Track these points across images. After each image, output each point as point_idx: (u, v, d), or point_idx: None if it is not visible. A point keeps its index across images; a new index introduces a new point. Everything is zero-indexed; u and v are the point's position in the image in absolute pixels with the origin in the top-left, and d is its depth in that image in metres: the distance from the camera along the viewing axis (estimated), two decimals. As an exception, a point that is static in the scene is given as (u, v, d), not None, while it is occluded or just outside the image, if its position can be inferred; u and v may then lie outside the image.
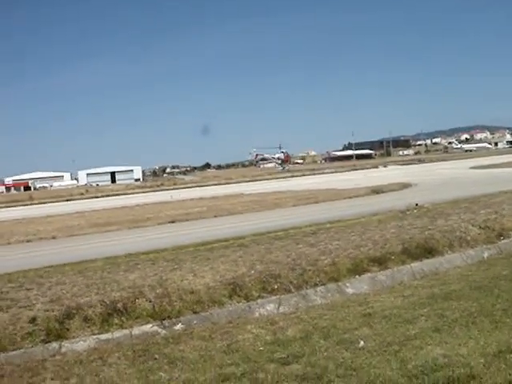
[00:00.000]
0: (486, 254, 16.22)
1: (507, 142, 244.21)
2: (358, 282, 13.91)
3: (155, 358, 9.44)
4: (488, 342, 8.12)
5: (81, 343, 10.76)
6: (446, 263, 15.41)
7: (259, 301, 12.57)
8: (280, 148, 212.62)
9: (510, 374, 6.82)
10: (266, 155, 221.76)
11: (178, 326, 11.35)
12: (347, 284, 13.72)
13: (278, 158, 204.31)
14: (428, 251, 15.79)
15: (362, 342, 8.92)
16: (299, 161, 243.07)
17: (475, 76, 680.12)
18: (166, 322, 11.47)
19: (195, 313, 11.91)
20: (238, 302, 12.47)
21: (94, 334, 11.10)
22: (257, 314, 12.05)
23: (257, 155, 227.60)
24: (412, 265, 15.00)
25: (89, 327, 11.31)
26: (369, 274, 14.28)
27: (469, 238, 16.97)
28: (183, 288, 12.73)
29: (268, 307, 12.36)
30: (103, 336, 11.05)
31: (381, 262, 14.88)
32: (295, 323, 10.74)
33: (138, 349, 10.13)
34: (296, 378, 7.68)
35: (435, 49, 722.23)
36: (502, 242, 17.23)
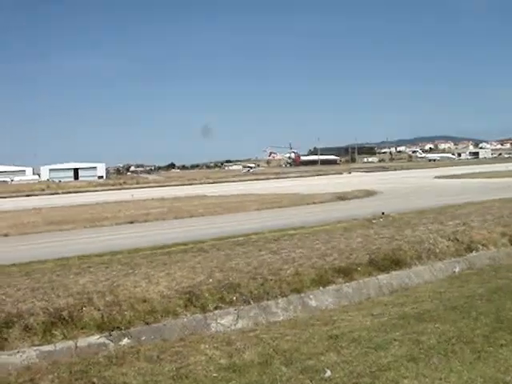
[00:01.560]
0: (457, 269, 15.70)
1: (470, 153, 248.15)
2: (322, 294, 13.20)
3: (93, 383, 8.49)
4: (472, 376, 7.40)
5: (18, 356, 9.81)
6: (415, 277, 14.83)
7: (216, 312, 11.76)
8: (291, 148, 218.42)
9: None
10: (278, 154, 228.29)
11: (125, 341, 10.43)
12: (311, 296, 12.99)
13: (289, 157, 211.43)
14: (395, 263, 15.18)
15: (328, 372, 8.04)
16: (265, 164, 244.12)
17: (440, 87, 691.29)
18: (114, 333, 10.59)
19: (147, 324, 11.04)
20: (194, 313, 11.63)
21: (34, 346, 10.17)
22: (213, 329, 11.23)
23: (271, 153, 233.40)
24: (379, 277, 14.36)
25: (30, 337, 10.36)
26: (334, 286, 13.57)
27: (437, 250, 16.43)
28: (135, 296, 11.88)
29: (225, 320, 11.55)
30: (45, 348, 10.12)
31: (346, 272, 14.20)
32: (254, 344, 9.74)
33: (77, 370, 9.03)
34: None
35: (401, 59, 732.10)
36: (472, 255, 16.76)
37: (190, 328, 11.13)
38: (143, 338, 10.57)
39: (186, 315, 11.52)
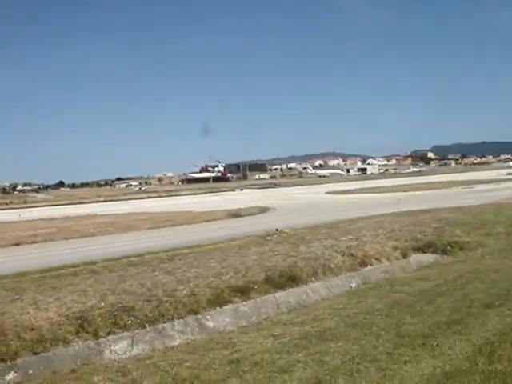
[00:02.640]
0: (353, 284, 15.79)
1: (358, 169, 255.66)
2: (219, 314, 12.86)
3: None
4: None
5: None
6: (312, 293, 14.75)
7: (110, 337, 11.18)
8: (219, 162, 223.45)
9: None
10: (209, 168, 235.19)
11: (11, 375, 9.67)
12: (207, 317, 12.63)
13: (219, 171, 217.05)
14: (292, 279, 15.05)
15: None
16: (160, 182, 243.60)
17: (327, 104, 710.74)
18: (-2, 366, 9.83)
19: (35, 354, 10.32)
20: (86, 340, 10.98)
21: None
22: (106, 357, 10.62)
23: (202, 167, 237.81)
24: (276, 294, 14.17)
25: None
26: (231, 306, 13.26)
27: (333, 265, 16.48)
28: (22, 324, 11.11)
29: (120, 346, 10.96)
30: None
31: (243, 291, 13.94)
32: (151, 373, 9.11)
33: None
34: None
35: (289, 78, 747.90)
36: (367, 269, 16.96)
37: (83, 356, 10.51)
38: (31, 372, 9.84)
39: (77, 342, 10.87)
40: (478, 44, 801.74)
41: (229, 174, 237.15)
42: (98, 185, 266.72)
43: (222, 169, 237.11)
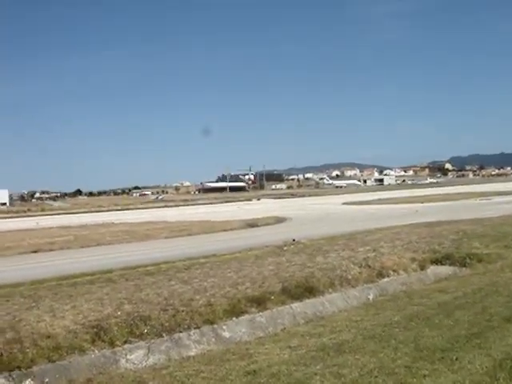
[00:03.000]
0: (371, 296, 15.66)
1: (375, 179, 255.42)
2: (235, 324, 12.79)
3: None
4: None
5: None
6: (329, 304, 14.63)
7: (126, 346, 11.14)
8: (250, 170, 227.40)
9: None
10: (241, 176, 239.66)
11: (27, 383, 9.68)
12: (224, 327, 12.56)
13: (249, 179, 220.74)
14: (309, 290, 14.95)
15: None
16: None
17: (343, 116, 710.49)
18: (14, 374, 9.80)
19: (51, 362, 10.29)
20: (102, 349, 10.95)
21: None
22: (122, 366, 10.56)
23: (231, 175, 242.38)
24: (292, 305, 14.08)
25: None
26: (247, 316, 13.17)
27: (350, 276, 16.36)
28: (39, 332, 11.11)
29: (136, 355, 10.91)
30: None
31: (259, 302, 13.85)
32: (167, 383, 9.03)
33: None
34: None
35: (308, 87, 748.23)
36: (384, 281, 16.82)
37: (98, 365, 10.47)
38: (47, 380, 9.80)
39: (93, 351, 10.84)
40: (497, 55, 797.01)
41: (245, 184, 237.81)
42: (115, 193, 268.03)
43: (252, 177, 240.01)
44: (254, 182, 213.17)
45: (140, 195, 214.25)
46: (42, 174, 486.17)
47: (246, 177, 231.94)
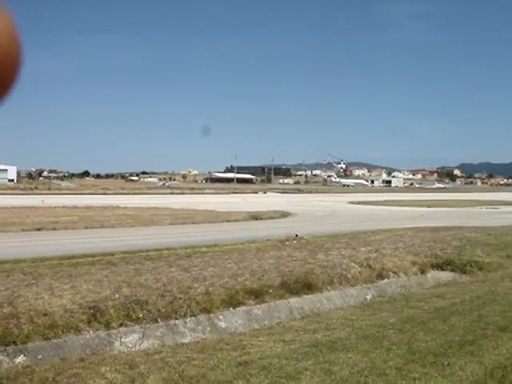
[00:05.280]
0: (369, 296, 15.71)
1: (383, 181, 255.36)
2: (232, 315, 12.86)
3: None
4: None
5: None
6: (326, 302, 14.70)
7: (121, 329, 11.22)
8: (342, 160, 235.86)
9: None
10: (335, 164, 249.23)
11: (21, 358, 9.70)
12: (220, 317, 12.63)
13: (341, 168, 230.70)
14: (307, 286, 15.00)
15: None
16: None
17: (353, 114, 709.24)
18: (10, 349, 9.88)
19: (46, 339, 10.39)
20: (98, 330, 11.04)
21: None
22: (116, 349, 10.66)
23: (329, 162, 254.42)
24: (290, 300, 14.15)
25: None
26: (244, 308, 13.26)
27: (349, 275, 16.40)
28: (36, 309, 11.19)
29: (130, 339, 11.00)
30: None
31: (257, 294, 13.91)
32: (159, 368, 9.05)
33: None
34: None
35: (319, 85, 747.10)
36: (383, 282, 16.86)
37: (92, 346, 10.55)
38: (40, 357, 9.88)
39: (88, 331, 10.93)
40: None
41: (253, 176, 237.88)
42: (123, 177, 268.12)
43: (344, 166, 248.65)
44: (345, 171, 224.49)
45: (127, 181, 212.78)
46: (52, 153, 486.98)
47: (339, 166, 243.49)
